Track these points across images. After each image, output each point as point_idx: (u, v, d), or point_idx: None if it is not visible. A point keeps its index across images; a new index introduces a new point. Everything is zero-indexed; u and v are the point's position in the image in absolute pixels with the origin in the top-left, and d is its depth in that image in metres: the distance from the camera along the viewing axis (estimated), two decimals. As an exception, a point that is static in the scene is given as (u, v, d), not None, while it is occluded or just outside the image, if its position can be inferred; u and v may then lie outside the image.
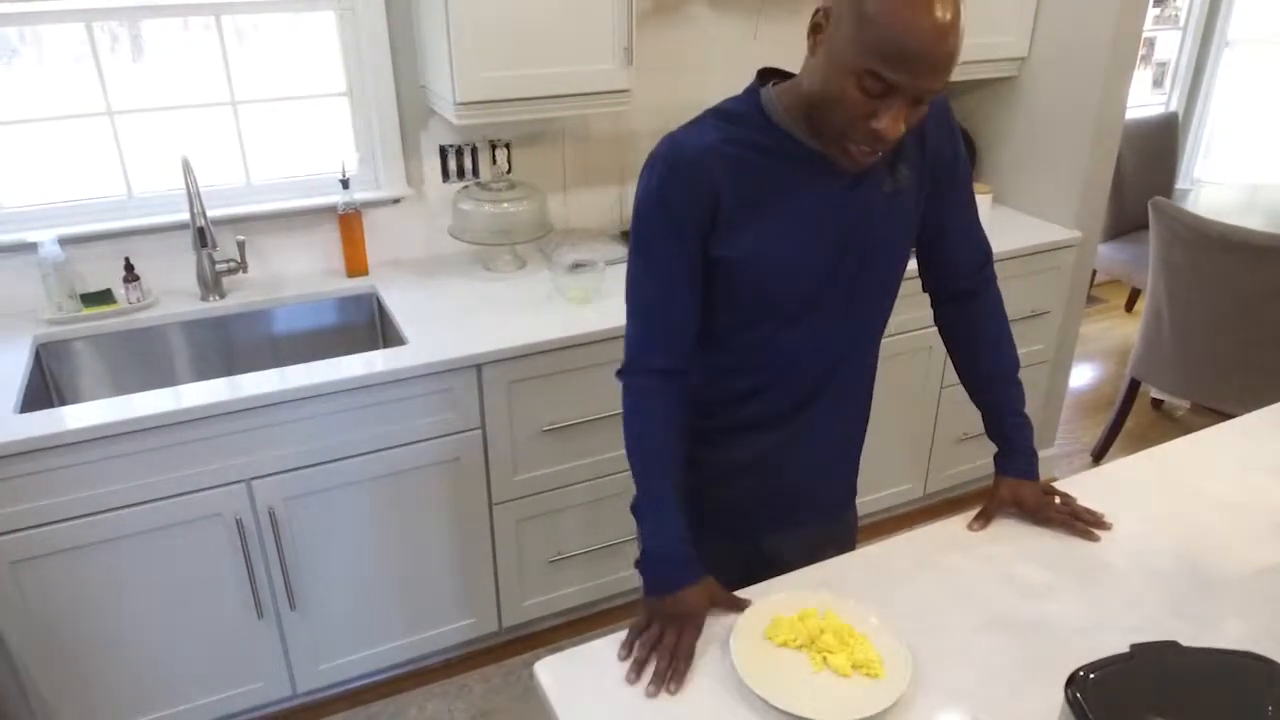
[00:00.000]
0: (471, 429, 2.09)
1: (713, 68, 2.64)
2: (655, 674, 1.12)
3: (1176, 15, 4.43)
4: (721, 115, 1.21)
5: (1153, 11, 4.23)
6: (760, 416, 1.34)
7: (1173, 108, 4.54)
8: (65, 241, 2.12)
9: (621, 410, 1.28)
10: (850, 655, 1.13)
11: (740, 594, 1.26)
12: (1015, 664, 1.14)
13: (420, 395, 2.00)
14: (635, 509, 1.27)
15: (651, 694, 1.10)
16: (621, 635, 1.20)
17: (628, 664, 1.15)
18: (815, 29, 1.09)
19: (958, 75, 2.67)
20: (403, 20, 2.28)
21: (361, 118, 2.37)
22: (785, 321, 1.26)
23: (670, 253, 1.21)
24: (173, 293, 2.26)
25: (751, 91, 1.22)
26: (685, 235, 1.20)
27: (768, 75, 1.23)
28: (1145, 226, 3.05)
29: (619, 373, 1.29)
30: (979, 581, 1.28)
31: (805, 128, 1.17)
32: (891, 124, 1.06)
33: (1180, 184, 4.51)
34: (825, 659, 1.13)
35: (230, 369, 2.25)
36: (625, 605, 2.55)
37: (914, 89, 1.04)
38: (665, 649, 1.15)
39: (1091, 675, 0.79)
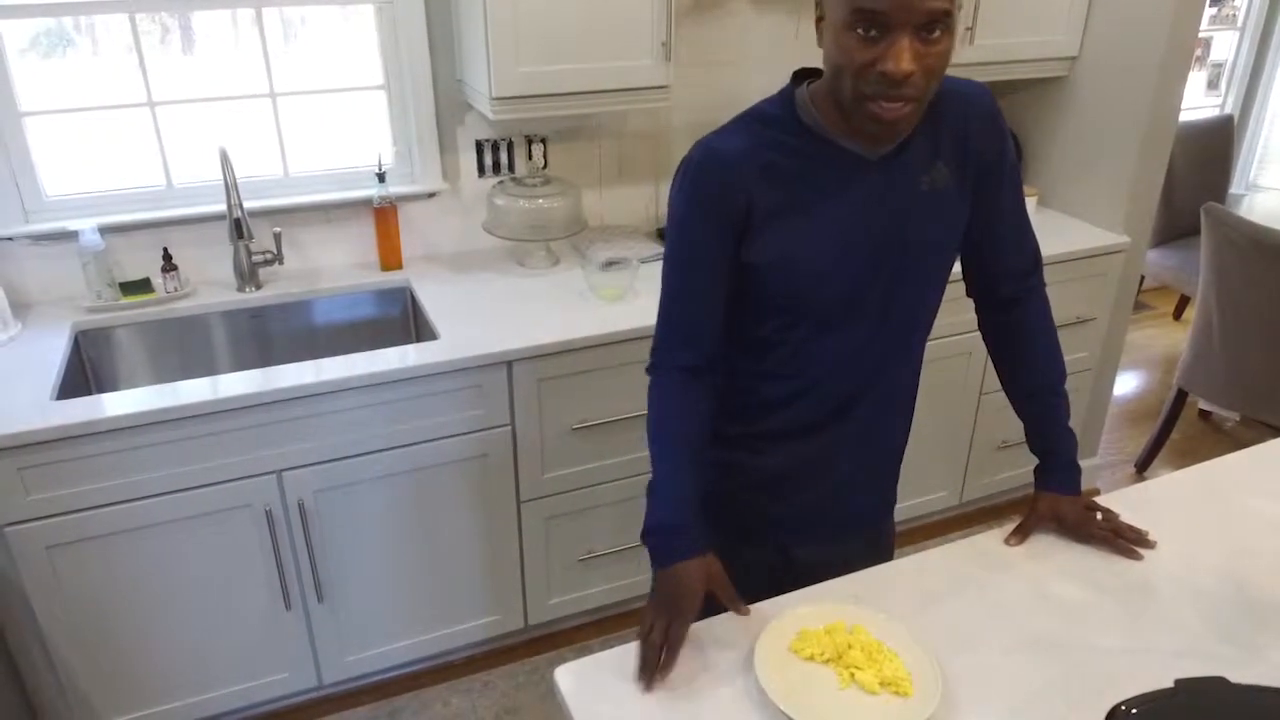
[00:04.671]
0: (501, 426, 2.08)
1: (753, 64, 2.60)
2: (644, 667, 1.13)
3: (1234, 15, 4.29)
4: (755, 118, 1.19)
5: (1209, 11, 4.11)
6: (797, 423, 1.31)
7: (1228, 110, 4.41)
8: (105, 230, 2.14)
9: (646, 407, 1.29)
10: (878, 672, 1.09)
11: (767, 604, 1.23)
12: (1051, 688, 1.10)
13: (450, 391, 1.99)
14: (648, 488, 1.27)
15: (643, 689, 1.11)
16: (646, 640, 1.18)
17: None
18: (818, 21, 1.11)
19: (1006, 74, 2.62)
20: (441, 14, 2.27)
21: (398, 111, 2.37)
22: (822, 326, 1.24)
23: (700, 257, 1.21)
24: (210, 283, 2.28)
25: (786, 93, 1.20)
26: (716, 241, 1.19)
27: (803, 76, 1.21)
28: (1196, 232, 2.96)
29: (647, 369, 1.30)
30: (1015, 599, 1.24)
31: (838, 122, 1.14)
32: (896, 60, 1.02)
33: (1235, 189, 4.38)
34: (853, 675, 1.10)
35: (264, 360, 2.26)
36: (652, 606, 2.53)
37: (903, 13, 1.00)
38: (652, 644, 1.15)
39: (1133, 711, 0.75)
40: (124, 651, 1.96)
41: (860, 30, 1.02)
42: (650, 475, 1.26)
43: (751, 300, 1.24)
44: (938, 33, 1.02)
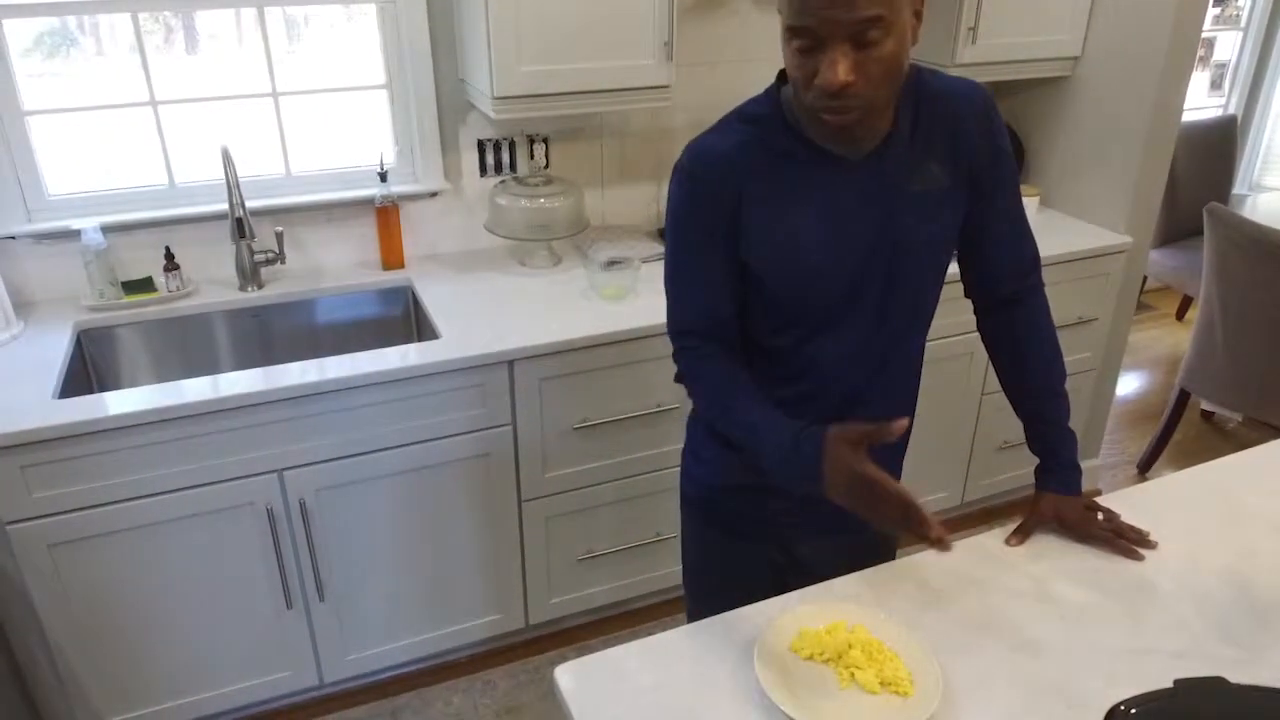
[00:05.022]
0: (502, 425, 2.08)
1: (754, 63, 2.60)
2: (923, 521, 1.06)
3: (1237, 15, 4.29)
4: (742, 118, 1.20)
5: (1212, 11, 4.10)
6: None
7: (1231, 111, 4.40)
8: (108, 229, 2.15)
9: (689, 397, 1.30)
10: (879, 672, 1.09)
11: (768, 603, 1.23)
12: (1052, 689, 1.09)
13: (452, 390, 2.00)
14: (742, 448, 1.22)
15: (944, 543, 1.07)
16: (647, 640, 1.18)
17: (667, 662, 1.14)
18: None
19: (1009, 74, 2.62)
20: (443, 14, 2.27)
21: (400, 111, 2.37)
22: (819, 326, 1.24)
23: (700, 261, 1.21)
24: (212, 282, 2.28)
25: (771, 92, 1.20)
26: (713, 243, 1.20)
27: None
28: (1199, 232, 2.96)
29: (677, 379, 1.30)
30: (1016, 600, 1.24)
31: (812, 126, 1.14)
32: (828, 71, 1.03)
33: (1238, 189, 4.37)
34: (853, 675, 1.10)
35: (266, 359, 2.26)
36: (655, 605, 2.53)
37: (829, 26, 1.01)
38: (903, 502, 1.07)
39: (1132, 711, 0.75)
40: (126, 649, 1.96)
41: (797, 44, 1.04)
42: (740, 441, 1.21)
43: (749, 301, 1.24)
44: (874, 37, 1.02)
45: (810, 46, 1.04)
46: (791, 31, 1.04)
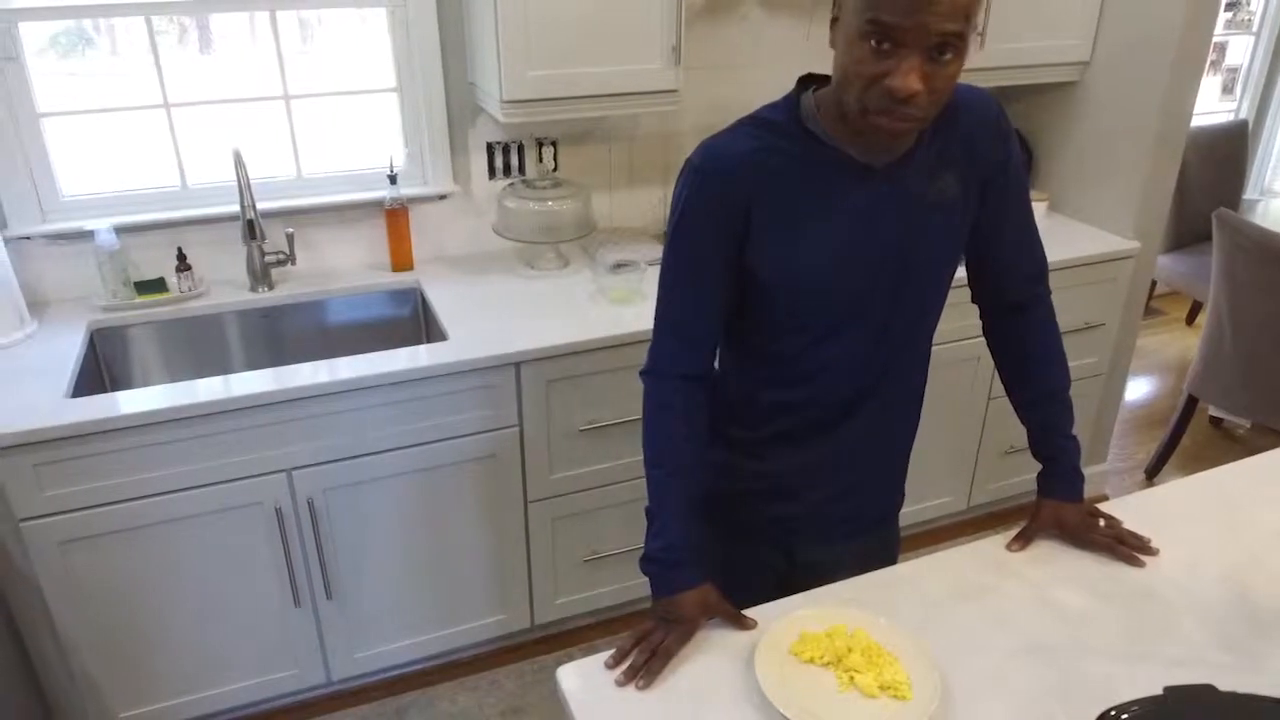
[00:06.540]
0: (509, 426, 2.09)
1: (763, 68, 2.61)
2: (630, 667, 1.15)
3: (1249, 20, 4.27)
4: (758, 123, 1.18)
5: (1224, 16, 4.08)
6: (802, 429, 1.32)
7: (1243, 116, 4.38)
8: (121, 230, 2.17)
9: (643, 400, 1.30)
10: (878, 675, 1.10)
11: (769, 606, 1.24)
12: (1049, 693, 1.10)
13: (459, 391, 2.01)
14: (646, 511, 1.29)
15: (620, 683, 1.13)
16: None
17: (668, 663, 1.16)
18: (833, 22, 1.10)
19: (1018, 79, 2.62)
20: (453, 17, 2.29)
21: (410, 114, 2.39)
22: (825, 333, 1.24)
23: (698, 262, 1.21)
24: (223, 283, 2.30)
25: (790, 98, 1.19)
26: (715, 245, 1.19)
27: (809, 81, 1.20)
28: (1209, 238, 2.95)
29: (642, 373, 1.30)
30: (1015, 605, 1.24)
31: (842, 128, 1.14)
32: (903, 79, 1.00)
33: (1249, 194, 4.35)
34: (852, 678, 1.11)
35: (276, 360, 2.28)
36: (659, 607, 2.53)
37: (915, 31, 0.98)
38: (648, 645, 1.17)
39: (1123, 717, 0.76)
40: (136, 646, 1.98)
41: (873, 42, 1.01)
42: (648, 496, 1.28)
43: (754, 308, 1.24)
44: (949, 55, 1.01)
45: (887, 48, 1.01)
46: (874, 26, 1.00)
